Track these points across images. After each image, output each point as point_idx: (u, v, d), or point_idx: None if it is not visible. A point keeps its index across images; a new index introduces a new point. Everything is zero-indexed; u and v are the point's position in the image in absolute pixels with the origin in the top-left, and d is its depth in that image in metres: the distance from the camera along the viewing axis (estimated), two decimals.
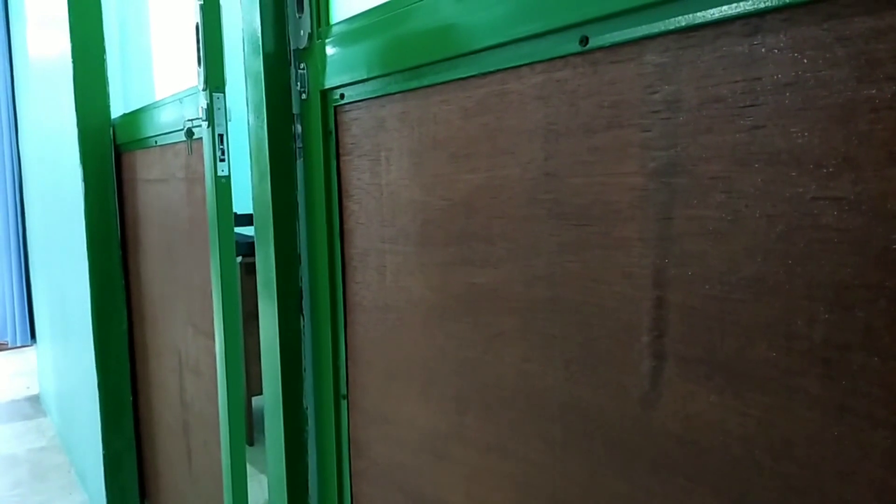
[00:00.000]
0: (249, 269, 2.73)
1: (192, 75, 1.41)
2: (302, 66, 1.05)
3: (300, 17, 1.04)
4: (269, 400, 1.14)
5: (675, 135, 0.56)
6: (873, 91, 0.44)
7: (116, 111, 2.00)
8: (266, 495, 2.46)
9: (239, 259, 2.77)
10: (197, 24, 1.31)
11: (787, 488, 0.51)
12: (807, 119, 0.48)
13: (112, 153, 1.99)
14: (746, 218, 0.52)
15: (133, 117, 1.84)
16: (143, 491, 2.19)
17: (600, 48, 0.61)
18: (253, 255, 1.15)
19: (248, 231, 2.92)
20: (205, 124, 1.34)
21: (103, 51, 1.93)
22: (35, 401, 3.66)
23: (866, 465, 0.47)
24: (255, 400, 3.09)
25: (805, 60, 0.48)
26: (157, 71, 2.20)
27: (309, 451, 1.13)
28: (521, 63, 0.68)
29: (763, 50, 0.50)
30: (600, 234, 0.63)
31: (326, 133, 1.01)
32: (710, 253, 0.54)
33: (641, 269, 0.60)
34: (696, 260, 0.55)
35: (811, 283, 0.48)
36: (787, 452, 0.51)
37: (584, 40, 0.61)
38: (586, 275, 0.65)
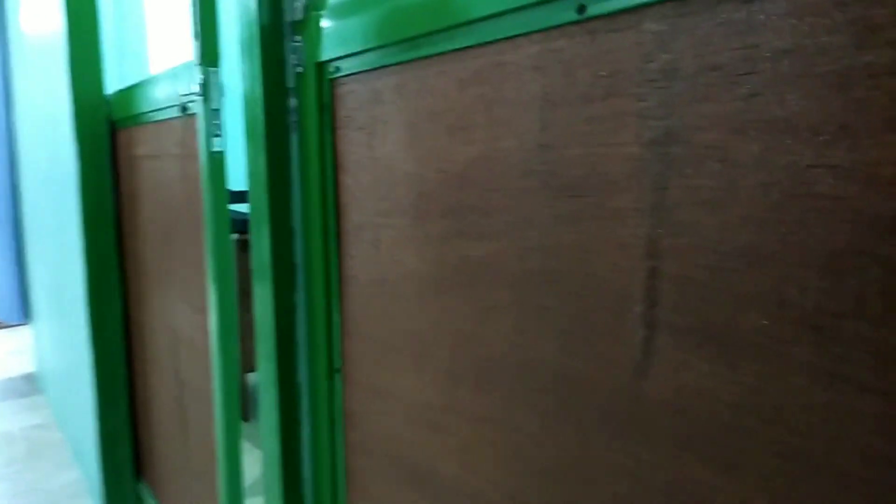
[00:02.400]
0: (244, 247, 2.72)
1: (187, 50, 1.40)
2: (297, 38, 1.04)
3: None
4: (264, 375, 1.14)
5: (672, 104, 0.55)
6: (872, 57, 0.44)
7: (111, 87, 1.98)
8: (261, 470, 2.47)
9: (234, 236, 2.77)
10: None
11: (777, 454, 0.51)
12: (804, 86, 0.47)
13: (107, 130, 1.98)
14: (741, 187, 0.52)
15: (128, 93, 1.83)
16: (139, 467, 2.20)
17: (598, 17, 0.60)
18: (247, 232, 1.14)
19: (242, 208, 2.92)
20: (200, 99, 1.33)
21: (98, 26, 1.92)
22: (30, 378, 3.66)
23: (856, 430, 0.47)
24: (249, 376, 3.10)
25: (804, 27, 0.47)
26: (153, 46, 2.19)
27: (303, 426, 1.14)
28: (518, 33, 0.68)
29: (762, 16, 0.49)
30: (595, 205, 0.63)
31: (322, 106, 1.01)
32: (704, 222, 0.54)
33: (636, 240, 0.59)
34: (690, 230, 0.55)
35: (804, 251, 0.48)
36: (777, 419, 0.51)
37: (582, 9, 0.61)
38: (581, 246, 0.64)
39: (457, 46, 0.75)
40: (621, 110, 0.59)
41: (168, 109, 1.55)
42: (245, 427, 2.92)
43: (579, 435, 0.67)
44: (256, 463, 2.48)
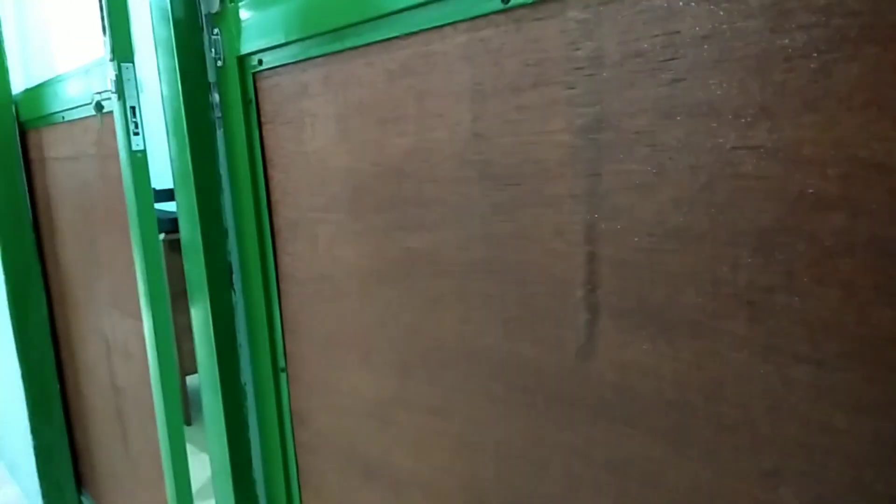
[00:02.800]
0: (174, 246, 2.65)
1: (97, 46, 1.33)
2: (215, 31, 1.01)
3: None
4: (206, 378, 1.11)
5: (600, 91, 0.56)
6: (786, 41, 0.46)
7: (17, 87, 1.88)
8: (208, 473, 2.43)
9: (162, 236, 2.68)
10: None
11: (720, 426, 0.54)
12: (724, 70, 0.49)
13: (16, 131, 1.88)
14: (671, 170, 0.53)
15: (36, 92, 1.74)
16: (80, 479, 2.13)
17: (522, 5, 0.60)
18: (176, 230, 1.11)
19: (169, 207, 2.83)
20: (114, 97, 1.27)
21: None
22: None
23: (791, 399, 0.49)
24: (189, 379, 3.03)
25: (721, 12, 0.48)
26: (59, 42, 2.08)
27: (250, 427, 1.12)
28: (445, 23, 0.67)
29: (681, 3, 0.50)
30: (531, 192, 0.63)
31: (246, 101, 0.98)
32: (637, 206, 0.56)
33: (573, 226, 0.61)
34: (624, 213, 0.57)
35: (734, 230, 0.50)
36: (717, 392, 0.53)
37: None
38: (520, 234, 0.65)
39: (383, 37, 0.74)
40: (551, 98, 0.60)
41: (82, 108, 1.48)
42: (187, 431, 2.86)
43: (529, 419, 0.68)
44: (202, 467, 2.44)
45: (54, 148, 1.72)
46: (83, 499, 2.11)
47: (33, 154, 1.87)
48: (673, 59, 0.51)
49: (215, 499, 1.18)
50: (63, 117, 1.61)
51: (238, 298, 1.08)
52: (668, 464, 0.57)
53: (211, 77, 1.04)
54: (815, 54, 0.44)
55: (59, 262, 1.87)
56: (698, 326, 0.54)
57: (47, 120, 1.71)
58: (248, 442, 1.12)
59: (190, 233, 1.07)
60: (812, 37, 0.44)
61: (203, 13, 1.02)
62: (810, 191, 0.46)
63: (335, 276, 0.90)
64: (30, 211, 1.93)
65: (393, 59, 0.74)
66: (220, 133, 1.04)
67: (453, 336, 0.74)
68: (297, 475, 1.08)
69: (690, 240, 0.53)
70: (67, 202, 1.72)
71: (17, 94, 1.87)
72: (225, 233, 1.06)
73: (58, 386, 2.04)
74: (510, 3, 0.61)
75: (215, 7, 1.00)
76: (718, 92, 0.49)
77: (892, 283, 0.43)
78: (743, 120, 0.48)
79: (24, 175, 1.91)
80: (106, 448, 1.83)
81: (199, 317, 1.10)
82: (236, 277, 1.08)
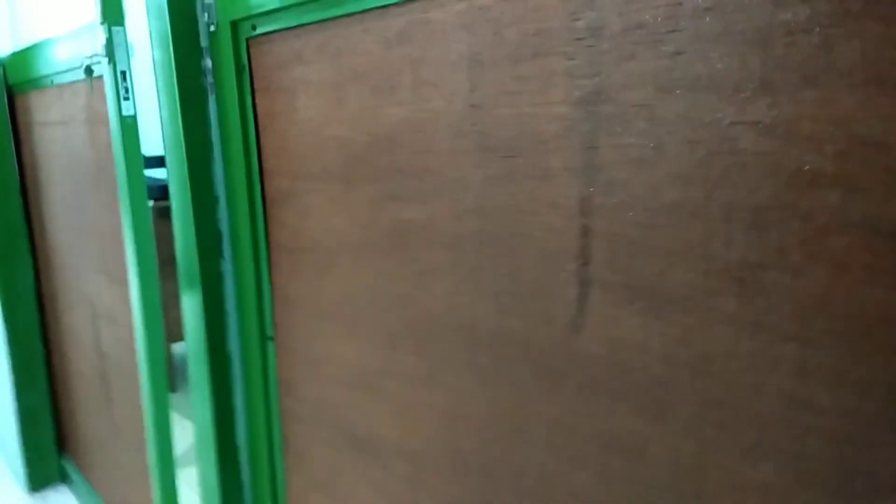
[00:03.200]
0: (163, 213, 2.62)
1: (88, 8, 1.31)
2: None
3: None
4: (192, 345, 1.11)
5: (600, 62, 0.55)
6: (789, 15, 0.45)
7: (5, 50, 1.84)
8: (191, 441, 2.43)
9: (151, 203, 2.65)
10: None
11: (704, 402, 0.54)
12: (726, 44, 0.48)
13: (3, 95, 1.85)
14: (668, 144, 0.53)
15: (25, 56, 1.71)
16: (62, 444, 2.12)
17: None
18: (166, 198, 1.10)
19: (159, 173, 2.79)
20: (105, 60, 1.25)
21: None
22: None
23: (777, 376, 0.49)
24: (174, 346, 3.02)
25: None
26: (49, 4, 2.04)
27: (235, 394, 1.12)
28: None
29: None
30: (527, 165, 0.63)
31: (239, 67, 0.97)
32: (633, 180, 0.55)
33: (568, 199, 0.60)
34: (620, 188, 0.56)
35: (728, 206, 0.50)
36: (704, 368, 0.53)
37: None
38: (514, 206, 0.65)
39: (380, 3, 0.73)
40: (550, 69, 0.59)
41: (71, 72, 1.46)
42: (171, 398, 2.85)
43: (516, 391, 0.68)
44: (185, 433, 2.43)
45: (43, 112, 1.69)
46: (65, 463, 2.10)
47: (21, 118, 1.84)
48: (674, 31, 0.51)
49: (198, 465, 1.18)
50: (52, 81, 1.58)
51: (227, 266, 1.07)
52: (651, 438, 0.58)
53: (203, 42, 1.02)
54: (818, 29, 0.44)
55: (46, 227, 1.84)
56: (688, 302, 0.53)
57: (36, 84, 1.68)
58: (232, 409, 1.12)
59: (180, 199, 1.06)
60: (815, 11, 0.44)
61: None
62: (806, 167, 0.46)
63: (326, 246, 0.89)
64: (17, 175, 1.90)
65: (390, 26, 0.73)
66: (212, 99, 1.03)
67: (443, 308, 0.74)
68: (282, 443, 1.08)
69: (685, 215, 0.53)
70: (56, 167, 1.69)
71: (4, 57, 1.83)
72: (216, 200, 1.05)
73: (42, 350, 2.02)
74: None
75: None
76: (719, 66, 0.49)
77: (883, 263, 0.43)
78: (742, 95, 0.48)
79: (11, 139, 1.88)
80: (89, 413, 1.83)
81: (188, 284, 1.09)
82: (226, 245, 1.07)
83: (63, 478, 2.13)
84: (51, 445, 2.10)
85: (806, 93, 0.45)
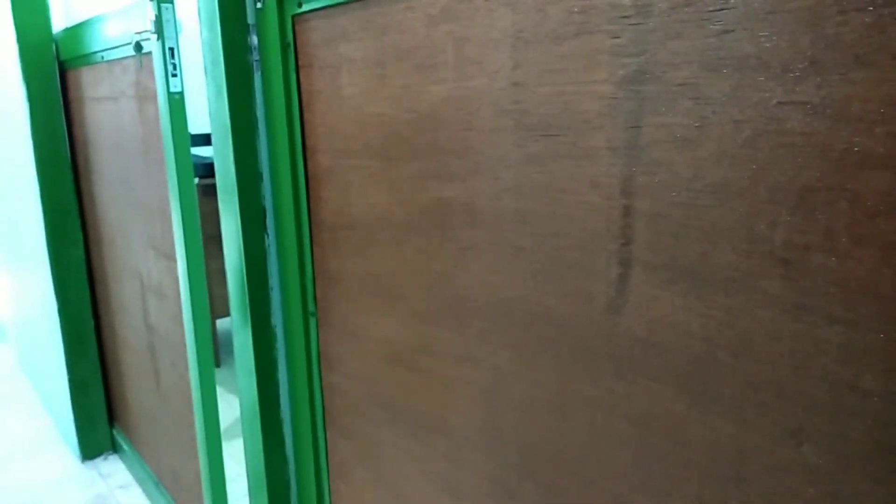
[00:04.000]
0: (207, 191, 2.68)
1: None
2: None
3: None
4: (237, 319, 1.14)
5: (645, 41, 0.55)
6: None
7: (58, 26, 1.90)
8: (236, 414, 2.50)
9: (196, 181, 2.71)
10: None
11: (745, 384, 0.54)
12: (775, 22, 0.48)
13: (56, 70, 1.91)
14: (713, 124, 0.52)
15: (76, 31, 1.76)
16: (111, 413, 2.21)
17: None
18: (211, 176, 1.13)
19: (203, 152, 2.85)
20: (154, 37, 1.28)
21: None
22: None
23: (821, 359, 0.49)
24: (219, 322, 3.10)
25: None
26: None
27: (279, 369, 1.15)
28: None
29: None
30: (569, 144, 0.63)
31: (285, 44, 0.98)
32: (677, 160, 0.55)
33: (609, 179, 0.60)
34: (663, 168, 0.56)
35: (774, 186, 0.50)
36: (746, 350, 0.53)
37: None
38: (554, 185, 0.65)
39: None
40: (594, 48, 0.59)
41: (121, 48, 1.50)
42: (216, 373, 2.93)
43: (555, 371, 0.69)
44: (229, 408, 2.51)
45: (93, 88, 1.74)
46: (115, 432, 2.19)
47: (72, 94, 1.90)
48: (722, 9, 0.50)
49: (243, 437, 1.22)
50: (102, 57, 1.62)
51: (271, 242, 1.10)
52: (691, 419, 0.58)
53: (250, 19, 1.04)
54: (871, 7, 0.43)
55: (96, 202, 1.91)
56: (731, 283, 0.54)
57: (87, 60, 1.73)
58: (276, 383, 1.15)
59: (225, 175, 1.08)
60: None
61: None
62: (856, 149, 0.45)
63: (367, 223, 0.91)
64: (68, 150, 1.97)
65: (434, 3, 0.73)
66: (257, 76, 1.05)
67: (482, 286, 0.75)
68: (324, 417, 1.11)
69: (729, 196, 0.53)
70: (105, 142, 1.74)
71: (57, 33, 1.89)
72: (260, 176, 1.08)
73: (92, 322, 2.10)
74: None
75: None
76: (767, 45, 0.49)
77: None
78: (791, 74, 0.48)
79: (63, 114, 1.94)
80: (137, 384, 1.90)
81: (233, 259, 1.12)
82: (269, 221, 1.09)
83: (114, 447, 2.22)
84: (102, 416, 2.18)
85: (857, 73, 0.44)
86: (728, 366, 0.55)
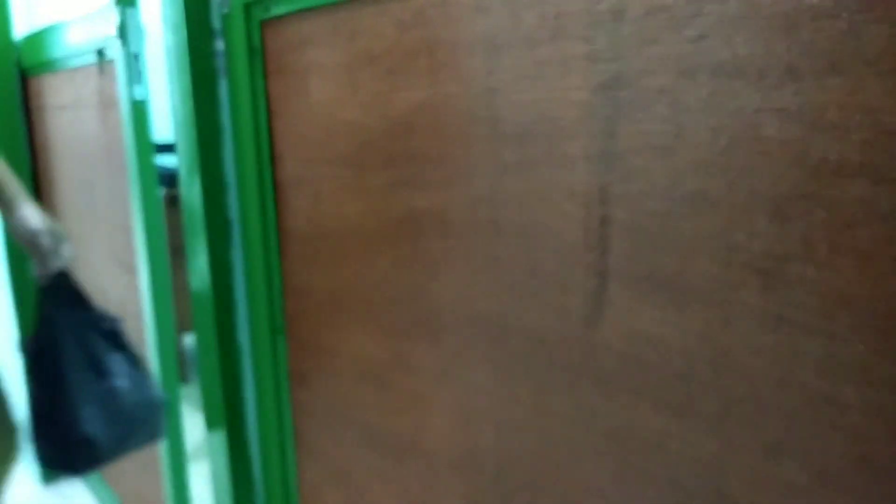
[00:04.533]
0: (172, 202, 2.65)
1: None
2: None
3: None
4: (202, 338, 1.13)
5: (620, 47, 0.56)
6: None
7: (20, 32, 1.88)
8: (202, 433, 2.45)
9: (163, 191, 2.68)
10: None
11: (726, 398, 0.54)
12: (750, 28, 0.48)
13: (17, 77, 1.88)
14: (690, 132, 0.53)
15: (39, 38, 1.74)
16: None
17: None
18: (175, 187, 1.11)
19: (170, 161, 2.83)
20: (118, 43, 1.27)
21: None
22: None
23: (801, 373, 0.49)
24: (187, 336, 3.05)
25: None
26: None
27: (246, 387, 1.14)
28: None
29: None
30: (544, 152, 0.63)
31: (251, 50, 0.98)
32: (654, 168, 0.55)
33: (586, 187, 0.60)
34: (640, 176, 0.56)
35: (752, 195, 0.50)
36: (726, 364, 0.53)
37: None
38: (530, 195, 0.65)
39: None
40: (569, 53, 0.59)
41: (84, 55, 1.48)
42: (183, 389, 2.89)
43: (532, 385, 0.69)
44: (197, 426, 2.46)
45: (55, 96, 1.72)
46: None
47: (33, 102, 1.88)
48: (697, 14, 0.51)
49: (209, 458, 1.20)
50: (65, 64, 1.61)
51: (237, 255, 1.09)
52: (671, 435, 0.58)
53: (215, 24, 1.03)
54: (845, 14, 0.44)
55: (57, 213, 1.88)
56: (710, 295, 0.54)
57: (49, 67, 1.71)
58: (242, 401, 1.13)
59: (190, 185, 1.07)
60: None
61: None
62: (832, 157, 0.46)
63: (338, 234, 0.90)
64: (29, 160, 1.94)
65: (405, 8, 0.73)
66: (223, 82, 1.04)
67: (457, 299, 0.75)
68: (293, 437, 1.09)
69: (706, 205, 0.53)
70: (67, 151, 1.72)
71: (18, 40, 1.86)
72: (226, 187, 1.07)
73: None
74: None
75: None
76: (743, 51, 0.49)
77: None
78: (767, 81, 0.48)
79: (24, 123, 1.91)
80: None
81: (197, 272, 1.11)
82: (236, 233, 1.08)
83: None
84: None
85: (832, 80, 0.45)
86: (708, 379, 0.55)
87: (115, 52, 1.29)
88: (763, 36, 0.48)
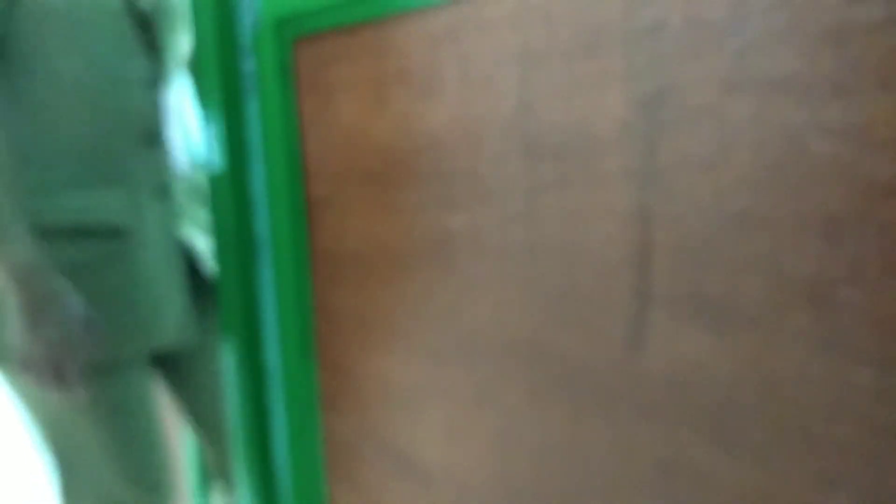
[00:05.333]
0: None
1: None
2: None
3: None
4: (228, 362, 1.15)
5: (660, 62, 0.57)
6: (864, 12, 0.46)
7: None
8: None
9: None
10: None
11: (773, 428, 0.54)
12: (795, 43, 0.49)
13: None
14: (734, 149, 0.53)
15: None
16: None
17: None
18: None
19: None
20: None
21: None
22: None
23: (852, 402, 0.49)
24: None
25: None
26: None
27: (274, 414, 1.15)
28: None
29: None
30: (581, 170, 0.64)
31: (283, 68, 1.00)
32: (697, 187, 0.56)
33: (626, 207, 0.61)
34: (682, 195, 0.57)
35: (799, 215, 0.50)
36: (773, 392, 0.54)
37: None
38: (567, 214, 0.66)
39: (428, 2, 0.75)
40: (607, 69, 0.60)
41: None
42: None
43: (570, 413, 0.70)
44: None
45: None
46: None
47: None
48: (741, 29, 0.52)
49: (237, 489, 1.22)
50: None
51: (266, 275, 1.11)
52: (716, 465, 0.58)
53: (245, 41, 1.06)
54: (895, 29, 0.44)
55: None
56: (757, 319, 0.54)
57: None
58: (269, 429, 1.15)
59: (218, 204, 1.10)
60: (892, 9, 0.44)
61: None
62: (883, 176, 0.46)
63: (370, 255, 0.92)
64: None
65: (438, 24, 0.75)
66: (252, 101, 1.07)
67: (491, 322, 0.76)
68: (325, 466, 1.11)
69: (752, 225, 0.53)
70: None
71: None
72: (255, 206, 1.09)
73: None
74: None
75: None
76: (789, 66, 0.50)
77: None
78: (814, 97, 0.49)
79: None
80: None
81: (226, 295, 1.13)
82: (265, 253, 1.11)
83: None
84: None
85: (882, 96, 0.45)
86: (755, 407, 0.55)
87: None
88: (810, 50, 0.48)
